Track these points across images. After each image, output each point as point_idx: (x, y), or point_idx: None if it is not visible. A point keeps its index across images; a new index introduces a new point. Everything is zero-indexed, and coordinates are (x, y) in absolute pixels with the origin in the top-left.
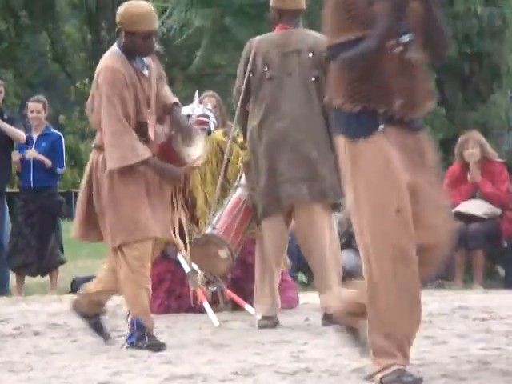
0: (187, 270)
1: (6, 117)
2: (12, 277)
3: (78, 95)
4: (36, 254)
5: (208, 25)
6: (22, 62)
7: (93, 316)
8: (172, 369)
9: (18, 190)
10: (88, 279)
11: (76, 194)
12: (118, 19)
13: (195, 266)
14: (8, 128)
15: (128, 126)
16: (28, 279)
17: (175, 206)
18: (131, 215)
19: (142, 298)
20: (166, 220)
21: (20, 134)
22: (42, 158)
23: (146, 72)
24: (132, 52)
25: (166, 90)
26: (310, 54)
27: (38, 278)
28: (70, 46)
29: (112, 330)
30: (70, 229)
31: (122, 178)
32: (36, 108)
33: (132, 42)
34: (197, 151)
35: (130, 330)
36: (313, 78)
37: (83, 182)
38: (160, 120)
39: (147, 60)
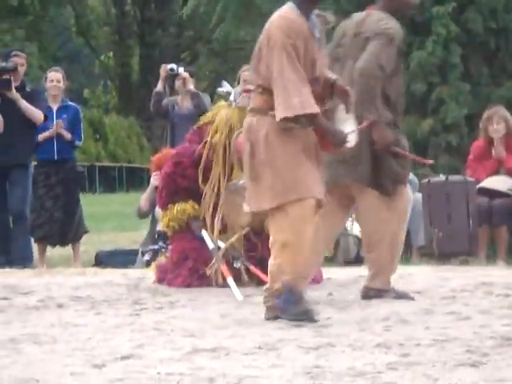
0: (211, 246)
1: (28, 89)
2: (34, 249)
3: (102, 69)
4: (60, 226)
5: None
6: (47, 36)
7: None
8: (195, 342)
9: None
10: (112, 253)
11: (99, 168)
12: None
13: (219, 243)
14: (26, 107)
15: (305, 75)
16: (51, 252)
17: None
18: (291, 173)
19: (301, 261)
20: (322, 183)
21: (38, 114)
22: (64, 133)
23: (316, 34)
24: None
25: (325, 59)
26: (364, 36)
27: (61, 251)
28: (94, 20)
29: (135, 302)
30: (92, 202)
31: (279, 137)
32: (56, 77)
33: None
34: (351, 126)
35: (279, 294)
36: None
37: (246, 149)
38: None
39: (317, 22)
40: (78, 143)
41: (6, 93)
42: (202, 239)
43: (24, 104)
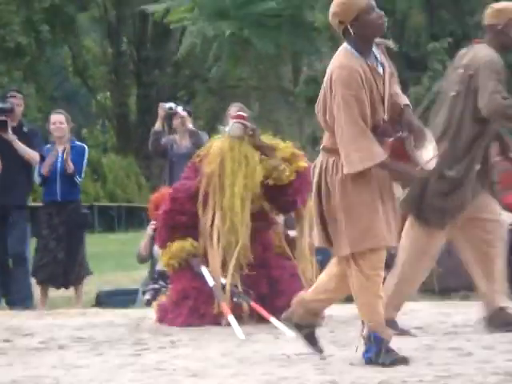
0: (211, 283)
1: (25, 129)
2: (36, 290)
3: (99, 109)
4: (63, 267)
5: (224, 36)
6: (44, 77)
7: (307, 326)
8: (198, 381)
9: (40, 204)
10: (113, 293)
11: (98, 208)
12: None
13: (221, 280)
14: (22, 148)
15: (365, 127)
16: (52, 293)
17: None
18: (365, 223)
19: (378, 308)
20: (396, 227)
21: (34, 155)
22: (69, 163)
23: (380, 70)
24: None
25: (397, 89)
26: (461, 70)
27: (63, 292)
28: (90, 60)
29: (135, 343)
30: (92, 242)
31: (355, 183)
32: (58, 119)
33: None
34: (428, 153)
35: (366, 344)
36: (453, 93)
37: (313, 186)
38: (391, 120)
39: (380, 57)
40: (78, 179)
41: (1, 134)
42: (202, 276)
43: (19, 145)
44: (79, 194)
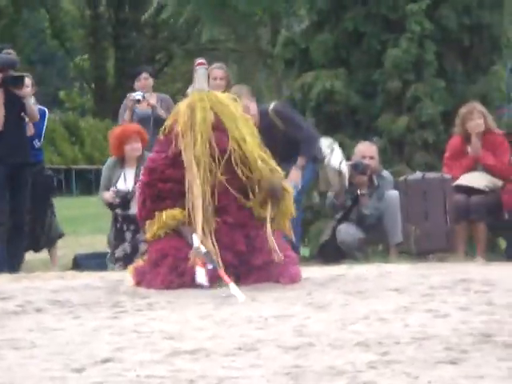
0: (203, 250)
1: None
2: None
3: (77, 71)
4: (30, 231)
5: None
6: (21, 39)
7: None
8: (175, 344)
9: None
10: (89, 256)
11: (76, 171)
12: None
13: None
14: (31, 108)
15: None
16: (29, 256)
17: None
18: None
19: None
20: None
21: (37, 114)
22: (29, 126)
23: None
24: None
25: None
26: None
27: (40, 255)
28: (68, 23)
29: (113, 306)
30: (70, 205)
31: None
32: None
33: None
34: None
35: None
36: None
37: None
38: None
39: None
40: (37, 144)
41: (17, 90)
42: (191, 244)
43: (30, 103)
44: (41, 156)
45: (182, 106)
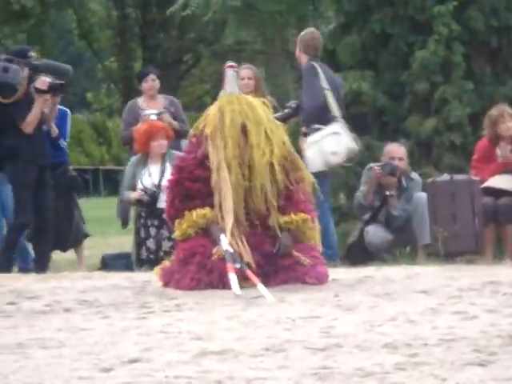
0: (226, 248)
1: None
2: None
3: (104, 72)
4: (56, 232)
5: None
6: (49, 40)
7: None
8: (202, 345)
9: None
10: (117, 256)
11: (103, 171)
12: None
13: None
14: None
15: None
16: (56, 256)
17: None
18: None
19: None
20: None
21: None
22: (53, 127)
23: None
24: None
25: None
26: None
27: (67, 255)
28: (95, 23)
29: (141, 306)
30: (97, 205)
31: None
32: None
33: None
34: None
35: None
36: None
37: None
38: None
39: None
40: (63, 143)
41: (56, 96)
42: (219, 243)
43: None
44: (65, 157)
45: (213, 108)
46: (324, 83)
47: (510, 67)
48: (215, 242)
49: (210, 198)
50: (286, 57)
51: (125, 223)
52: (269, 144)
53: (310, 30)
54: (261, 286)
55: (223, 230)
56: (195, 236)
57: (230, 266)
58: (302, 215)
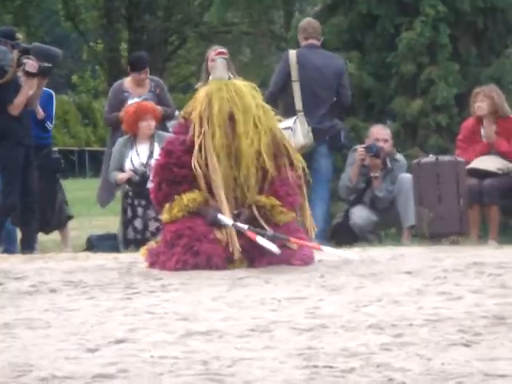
0: (230, 223)
1: None
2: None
3: (90, 54)
4: (40, 213)
5: None
6: (34, 21)
7: None
8: (188, 325)
9: None
10: (103, 237)
11: (89, 152)
12: None
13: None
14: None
15: None
16: (42, 237)
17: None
18: None
19: None
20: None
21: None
22: (39, 109)
23: None
24: None
25: None
26: None
27: (52, 236)
28: (82, 4)
29: (126, 287)
30: (82, 186)
31: None
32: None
33: None
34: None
35: None
36: None
37: None
38: None
39: None
40: (49, 125)
41: (43, 80)
42: (218, 224)
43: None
44: (50, 140)
45: (201, 93)
46: (294, 73)
47: (495, 48)
48: (211, 223)
49: (197, 182)
50: (272, 38)
51: (104, 204)
52: (257, 132)
53: (307, 19)
54: (260, 239)
55: (219, 210)
56: (182, 218)
57: (250, 233)
58: (272, 200)
